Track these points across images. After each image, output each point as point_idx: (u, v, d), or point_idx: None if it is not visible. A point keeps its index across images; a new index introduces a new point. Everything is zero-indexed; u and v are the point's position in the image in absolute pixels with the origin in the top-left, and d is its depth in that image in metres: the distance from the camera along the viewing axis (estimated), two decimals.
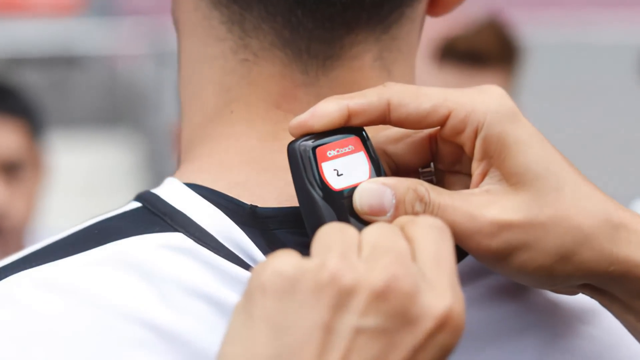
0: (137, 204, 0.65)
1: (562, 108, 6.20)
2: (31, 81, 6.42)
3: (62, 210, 4.27)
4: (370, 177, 0.60)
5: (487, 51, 2.09)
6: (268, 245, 0.61)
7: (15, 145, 1.86)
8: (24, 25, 8.77)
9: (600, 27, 7.44)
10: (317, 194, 0.59)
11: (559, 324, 0.64)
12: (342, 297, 0.53)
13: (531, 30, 4.88)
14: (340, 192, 0.59)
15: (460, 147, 0.62)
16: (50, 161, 2.01)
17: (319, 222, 0.58)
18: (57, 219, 2.65)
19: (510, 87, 2.10)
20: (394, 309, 0.53)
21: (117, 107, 8.20)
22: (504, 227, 0.59)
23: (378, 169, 0.60)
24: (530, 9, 7.33)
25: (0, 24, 8.49)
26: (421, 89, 0.60)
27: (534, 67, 2.84)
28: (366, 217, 0.59)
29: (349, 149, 0.60)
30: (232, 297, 0.60)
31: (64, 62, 8.46)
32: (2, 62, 8.04)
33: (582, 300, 0.65)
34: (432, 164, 0.63)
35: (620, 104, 6.32)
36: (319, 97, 0.62)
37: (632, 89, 3.63)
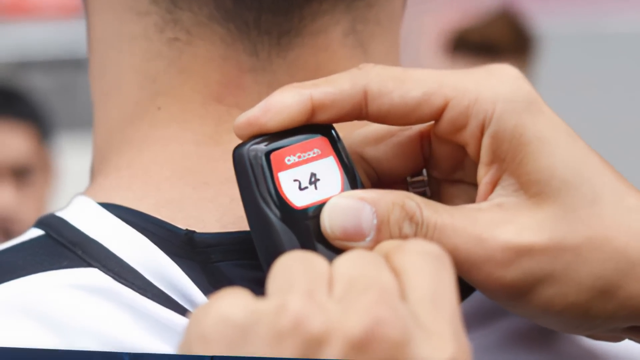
0: (39, 232, 0.55)
1: (580, 100, 6.44)
2: (39, 85, 6.74)
3: None
4: (343, 189, 0.52)
5: (501, 42, 2.17)
6: (210, 282, 0.53)
7: (24, 149, 1.92)
8: (30, 28, 9.15)
9: (618, 15, 7.70)
10: (272, 214, 0.51)
11: None
12: (309, 349, 0.43)
13: (546, 19, 5.08)
14: (304, 211, 0.51)
15: (462, 148, 0.53)
16: (59, 164, 2.06)
17: (276, 251, 0.50)
18: None
19: None
20: None
21: None
22: (522, 252, 0.50)
23: (353, 179, 0.52)
24: None
25: (6, 27, 8.89)
26: (408, 72, 0.52)
27: (550, 58, 2.89)
28: (338, 243, 0.50)
29: (314, 153, 0.52)
30: (163, 350, 0.51)
31: (71, 65, 8.87)
32: (9, 66, 8.43)
33: (629, 348, 0.57)
34: (424, 171, 0.55)
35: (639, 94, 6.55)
36: (273, 86, 0.55)
37: None
